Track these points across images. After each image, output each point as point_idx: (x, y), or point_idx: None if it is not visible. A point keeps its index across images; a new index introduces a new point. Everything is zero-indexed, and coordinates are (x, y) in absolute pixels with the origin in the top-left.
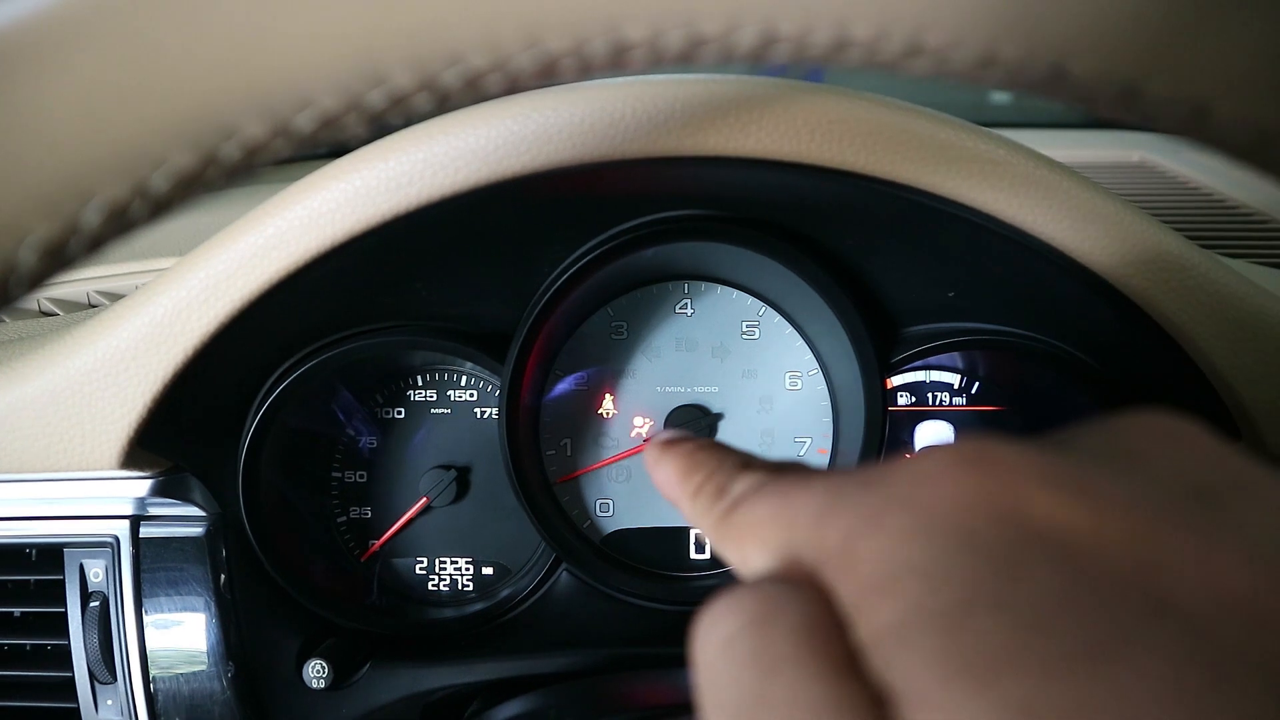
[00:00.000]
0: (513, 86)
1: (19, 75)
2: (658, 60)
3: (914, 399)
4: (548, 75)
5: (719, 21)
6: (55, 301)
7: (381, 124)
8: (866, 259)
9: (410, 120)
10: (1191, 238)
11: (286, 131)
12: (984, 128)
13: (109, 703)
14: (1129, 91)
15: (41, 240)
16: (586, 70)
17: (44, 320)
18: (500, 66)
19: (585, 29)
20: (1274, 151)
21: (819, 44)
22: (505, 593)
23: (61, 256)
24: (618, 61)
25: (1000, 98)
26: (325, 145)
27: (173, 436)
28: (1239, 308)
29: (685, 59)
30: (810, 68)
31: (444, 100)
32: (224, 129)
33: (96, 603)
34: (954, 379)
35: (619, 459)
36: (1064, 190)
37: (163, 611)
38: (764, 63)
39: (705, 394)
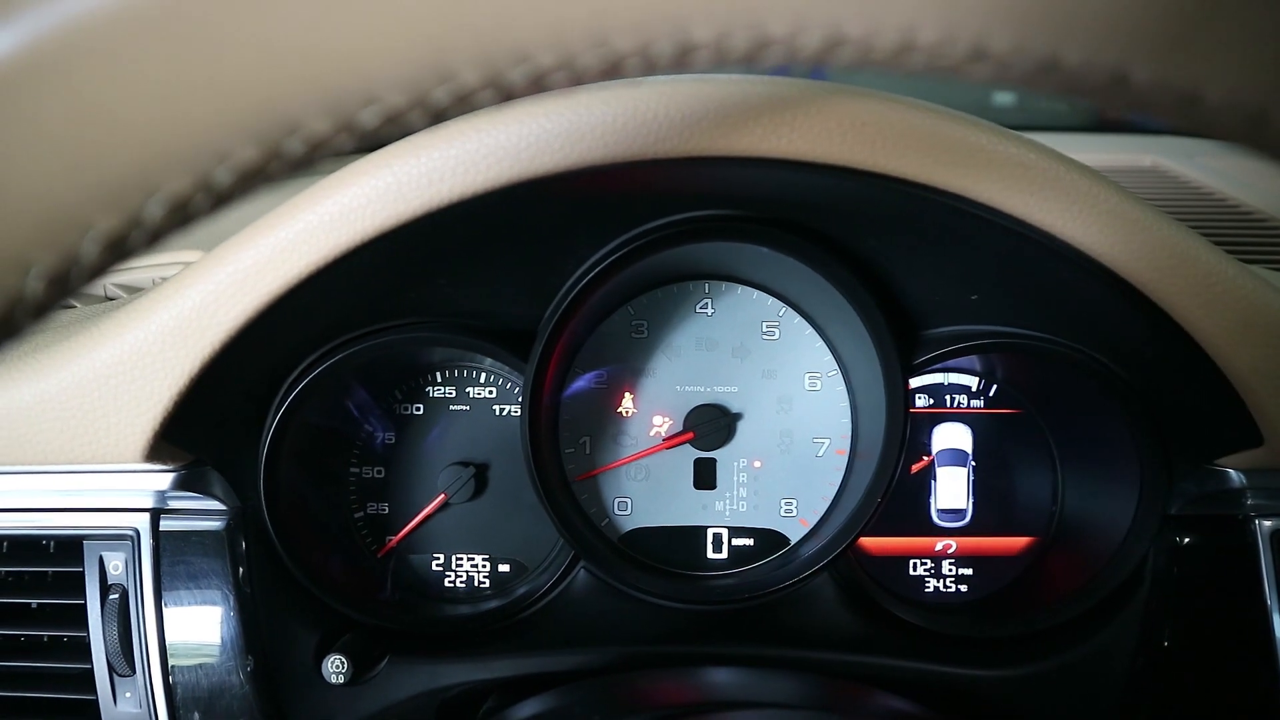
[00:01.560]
0: (576, 84)
1: (84, 71)
2: (722, 61)
3: (932, 401)
4: (612, 74)
5: (786, 23)
6: None
7: (444, 120)
8: (890, 260)
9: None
10: None
11: (351, 127)
12: (1014, 131)
13: (128, 695)
14: (1187, 99)
15: (104, 233)
16: (650, 69)
17: (62, 313)
18: (567, 65)
19: (653, 29)
20: None
21: (883, 48)
22: (522, 590)
23: (123, 249)
24: (682, 62)
25: (1004, 99)
26: (387, 140)
27: (196, 430)
28: (1265, 314)
29: (749, 60)
30: (813, 66)
31: (507, 97)
32: (289, 124)
33: (116, 595)
34: (972, 381)
35: (638, 458)
36: (1093, 195)
37: (182, 604)
38: (825, 65)
39: (724, 394)
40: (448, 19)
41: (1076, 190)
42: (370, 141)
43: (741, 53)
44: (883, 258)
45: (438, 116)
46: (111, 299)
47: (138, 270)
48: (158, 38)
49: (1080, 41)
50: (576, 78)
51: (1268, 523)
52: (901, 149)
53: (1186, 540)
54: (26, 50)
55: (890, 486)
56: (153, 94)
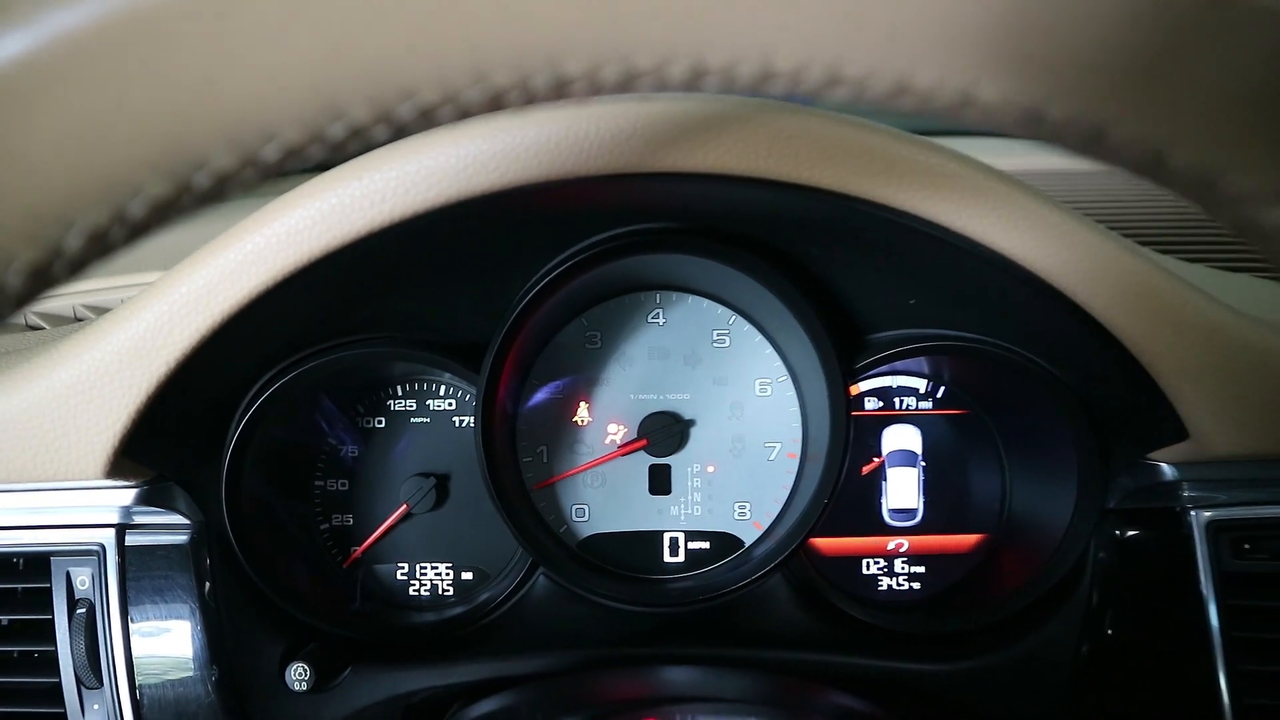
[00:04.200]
0: (463, 117)
1: (2, 111)
2: (597, 92)
3: (881, 403)
4: (495, 107)
5: (653, 56)
6: (42, 315)
7: (343, 153)
8: (830, 268)
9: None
10: (1152, 243)
11: (254, 161)
12: (936, 141)
13: (95, 708)
14: (1033, 114)
15: (26, 264)
16: (531, 101)
17: (30, 334)
18: (451, 99)
19: (529, 64)
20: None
21: (745, 75)
22: (484, 597)
23: (45, 279)
24: (560, 94)
25: None
26: (292, 172)
27: (157, 446)
28: (1182, 311)
29: (622, 90)
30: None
31: (400, 131)
32: (195, 160)
33: (83, 610)
34: (920, 383)
35: (594, 465)
36: (1013, 201)
37: (148, 618)
38: (691, 93)
39: (677, 401)
40: (334, 60)
41: (995, 196)
42: (291, 172)
43: (613, 83)
44: (825, 265)
45: (336, 151)
46: (81, 320)
47: (107, 292)
48: (63, 82)
49: (929, 62)
50: (462, 111)
51: (1205, 514)
52: (824, 161)
53: (1127, 533)
54: None
55: (836, 487)
56: (62, 135)
